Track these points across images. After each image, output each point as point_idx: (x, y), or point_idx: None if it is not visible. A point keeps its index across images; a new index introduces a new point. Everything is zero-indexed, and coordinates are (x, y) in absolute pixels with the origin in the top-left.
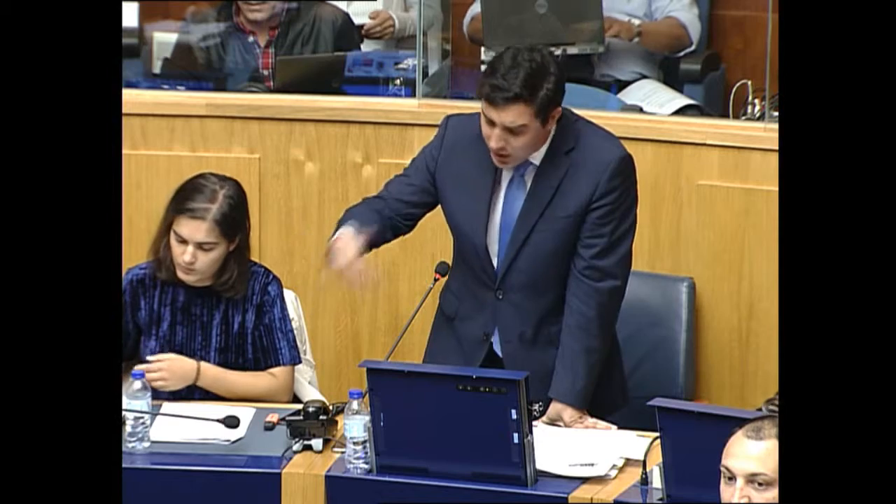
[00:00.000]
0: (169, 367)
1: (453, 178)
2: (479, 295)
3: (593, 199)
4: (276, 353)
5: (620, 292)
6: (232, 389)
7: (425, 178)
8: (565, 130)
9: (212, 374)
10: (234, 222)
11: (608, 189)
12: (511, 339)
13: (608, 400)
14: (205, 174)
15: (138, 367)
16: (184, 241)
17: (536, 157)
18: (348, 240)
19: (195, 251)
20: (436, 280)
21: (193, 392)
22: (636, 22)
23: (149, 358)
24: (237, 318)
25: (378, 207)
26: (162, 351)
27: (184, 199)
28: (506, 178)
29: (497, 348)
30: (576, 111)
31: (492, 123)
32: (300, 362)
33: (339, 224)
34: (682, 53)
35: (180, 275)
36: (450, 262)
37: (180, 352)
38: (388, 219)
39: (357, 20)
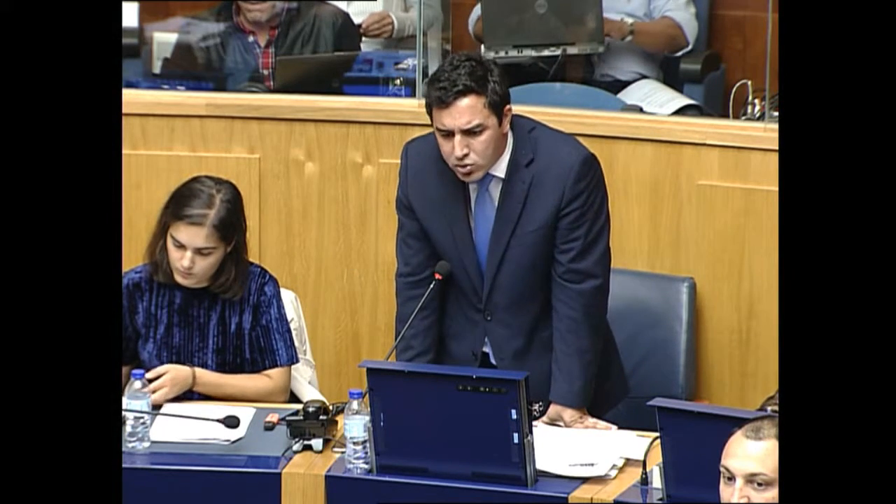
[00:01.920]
0: (170, 378)
1: (428, 205)
2: (469, 316)
3: (561, 206)
4: (273, 354)
5: (603, 290)
6: (228, 393)
7: (414, 220)
8: (522, 142)
9: (207, 379)
10: (232, 226)
11: (575, 194)
12: (505, 357)
13: (609, 394)
14: (199, 178)
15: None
16: (182, 247)
17: (499, 170)
18: None
19: (193, 256)
20: (436, 280)
21: (192, 392)
22: (629, 21)
23: (147, 376)
24: (234, 319)
25: (414, 294)
26: (160, 353)
27: (181, 204)
28: (473, 195)
29: (492, 360)
30: (576, 111)
31: (449, 134)
32: (297, 361)
33: (403, 351)
34: (679, 53)
35: (178, 278)
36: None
37: (178, 353)
38: (428, 289)
39: (357, 20)
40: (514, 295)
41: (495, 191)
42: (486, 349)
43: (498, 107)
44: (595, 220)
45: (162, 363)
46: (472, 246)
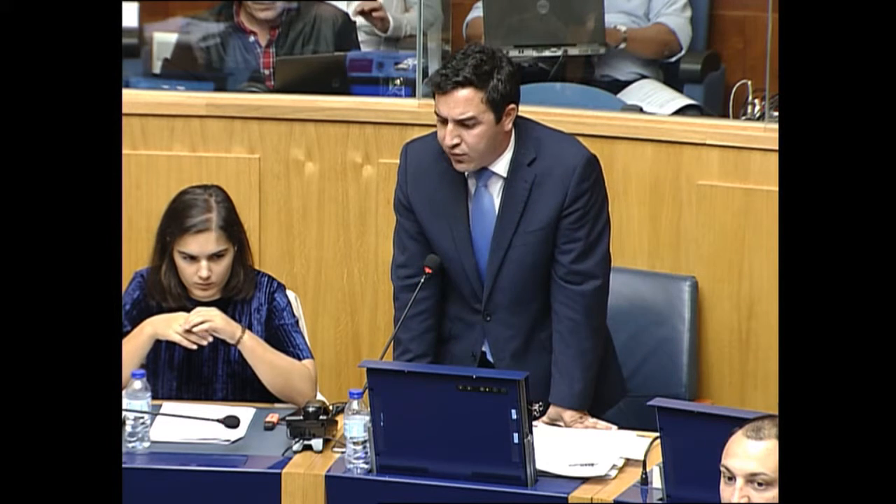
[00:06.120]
0: (210, 314)
1: (427, 206)
2: (467, 318)
3: (564, 206)
4: (297, 349)
5: (604, 290)
6: (271, 361)
7: (412, 221)
8: (525, 142)
9: (256, 340)
10: (235, 224)
11: (577, 194)
12: (504, 357)
13: (606, 395)
14: (186, 189)
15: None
16: (193, 259)
17: (500, 168)
18: None
19: (209, 264)
20: (427, 274)
21: (210, 388)
22: (623, 28)
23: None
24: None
25: (410, 291)
26: (172, 361)
27: (181, 218)
28: (472, 192)
29: (490, 359)
30: (576, 111)
31: (444, 121)
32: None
33: (401, 354)
34: (672, 59)
35: (197, 293)
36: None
37: (189, 364)
38: (419, 283)
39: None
40: (515, 295)
41: (494, 188)
42: (485, 349)
43: (497, 104)
44: (596, 221)
45: (173, 373)
46: (472, 247)
